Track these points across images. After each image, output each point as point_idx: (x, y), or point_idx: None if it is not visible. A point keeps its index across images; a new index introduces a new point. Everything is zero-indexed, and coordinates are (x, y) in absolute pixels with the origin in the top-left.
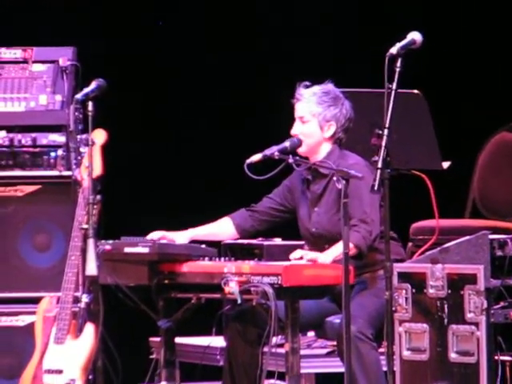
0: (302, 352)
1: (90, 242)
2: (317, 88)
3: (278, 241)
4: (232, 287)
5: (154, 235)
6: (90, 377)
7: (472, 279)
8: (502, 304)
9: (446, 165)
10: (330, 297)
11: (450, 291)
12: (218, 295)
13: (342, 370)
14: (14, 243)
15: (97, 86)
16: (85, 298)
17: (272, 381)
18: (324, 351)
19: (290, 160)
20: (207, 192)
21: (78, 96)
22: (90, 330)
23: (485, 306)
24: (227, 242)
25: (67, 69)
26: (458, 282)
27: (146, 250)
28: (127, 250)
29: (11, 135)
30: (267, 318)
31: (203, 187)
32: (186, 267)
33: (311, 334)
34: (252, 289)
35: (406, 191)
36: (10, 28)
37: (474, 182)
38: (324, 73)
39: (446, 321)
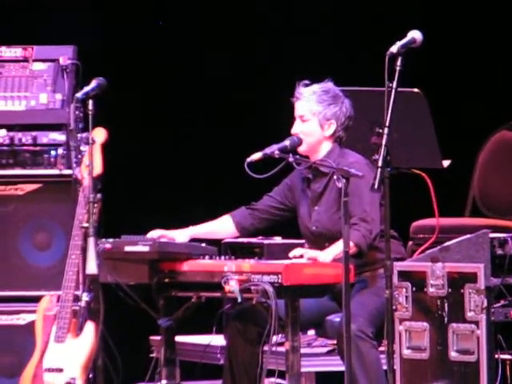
0: (303, 351)
1: (91, 240)
2: (316, 87)
3: (278, 239)
4: (232, 286)
5: (154, 234)
6: (91, 375)
7: (472, 278)
8: (502, 302)
9: (446, 163)
10: (331, 295)
11: (450, 290)
12: (218, 294)
13: (343, 368)
14: (14, 242)
15: (97, 84)
16: (85, 297)
17: (272, 379)
18: (324, 350)
19: (290, 159)
20: (207, 190)
21: (79, 95)
22: (90, 328)
23: (485, 304)
24: (227, 241)
25: (67, 67)
26: (458, 281)
27: (146, 249)
28: (127, 248)
29: (12, 134)
30: (267, 316)
31: (203, 185)
32: (187, 266)
33: (311, 332)
34: (252, 287)
35: (407, 190)
36: (10, 27)
37: (474, 181)
38: (324, 73)
39: (446, 319)
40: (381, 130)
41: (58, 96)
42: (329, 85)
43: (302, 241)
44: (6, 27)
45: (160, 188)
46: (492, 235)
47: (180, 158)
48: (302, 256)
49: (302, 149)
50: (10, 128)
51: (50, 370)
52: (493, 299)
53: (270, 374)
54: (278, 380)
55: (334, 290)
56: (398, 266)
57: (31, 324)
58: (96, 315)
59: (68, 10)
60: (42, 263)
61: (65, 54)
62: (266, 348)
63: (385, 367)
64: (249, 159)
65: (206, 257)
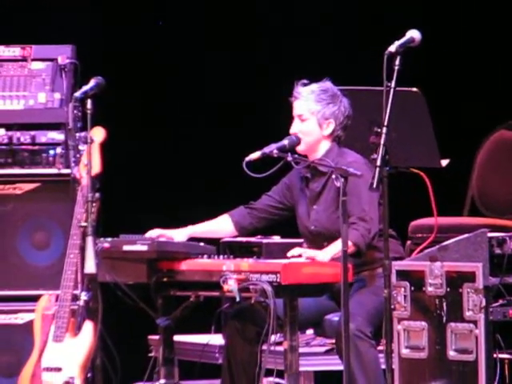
0: (301, 350)
1: (89, 239)
2: (315, 86)
3: (276, 239)
4: (231, 285)
5: (152, 233)
6: (89, 375)
7: (471, 277)
8: (500, 302)
9: (444, 162)
10: (329, 295)
11: (448, 289)
12: (216, 293)
13: (341, 367)
14: (12, 241)
15: (95, 83)
16: (84, 296)
17: (271, 379)
18: (323, 349)
19: (289, 158)
20: (207, 190)
21: (77, 94)
22: (88, 327)
23: (483, 304)
24: (226, 240)
25: (66, 67)
26: (456, 280)
27: (144, 248)
28: (126, 247)
29: (10, 133)
30: (266, 315)
31: (202, 185)
32: (185, 265)
33: (310, 331)
34: (251, 287)
35: (405, 189)
36: (10, 27)
37: (472, 180)
38: (324, 73)
39: (444, 319)
40: (379, 130)
41: (57, 95)
42: (327, 84)
43: (301, 240)
44: (5, 27)
45: (160, 188)
46: (490, 234)
47: (180, 158)
48: (300, 255)
49: (300, 148)
50: (8, 127)
51: (48, 369)
52: (491, 298)
53: (269, 373)
54: (277, 379)
55: (333, 289)
56: (397, 265)
57: (30, 323)
58: (94, 314)
59: (68, 9)
60: (41, 262)
61: (63, 54)
62: (264, 347)
63: (383, 366)
64: (247, 158)
65: (205, 256)
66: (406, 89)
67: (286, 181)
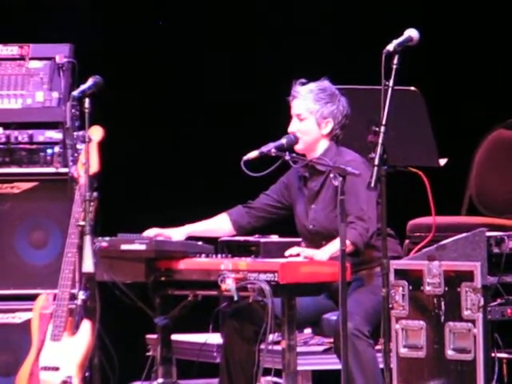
0: (299, 349)
1: (87, 239)
2: (313, 85)
3: (274, 238)
4: (229, 284)
5: (150, 232)
6: (87, 374)
7: (469, 276)
8: (498, 301)
9: (442, 162)
10: (327, 294)
11: (446, 288)
12: (214, 292)
13: (339, 367)
14: (10, 240)
15: (93, 82)
16: (81, 295)
17: (269, 378)
18: (321, 348)
19: (287, 157)
20: (207, 190)
21: (75, 93)
22: (86, 327)
23: (481, 303)
24: (224, 239)
25: (64, 66)
26: (454, 279)
27: (142, 247)
28: (124, 247)
29: (8, 132)
30: (264, 315)
31: (201, 185)
32: (183, 264)
33: (308, 331)
34: (249, 286)
35: (403, 188)
36: (10, 26)
37: (470, 179)
38: (324, 73)
39: (442, 318)
40: (377, 129)
41: (55, 94)
42: (325, 83)
43: (299, 239)
44: (5, 27)
45: (158, 187)
46: (488, 234)
47: (180, 158)
48: (298, 255)
49: (298, 147)
50: (6, 126)
51: (46, 368)
52: (489, 298)
53: (267, 372)
54: (275, 378)
55: (331, 288)
56: (395, 264)
57: (27, 322)
58: (92, 314)
59: (68, 9)
60: (39, 261)
61: (61, 52)
62: (262, 346)
63: (381, 366)
64: (245, 157)
65: (203, 255)
66: (404, 88)
67: (284, 180)
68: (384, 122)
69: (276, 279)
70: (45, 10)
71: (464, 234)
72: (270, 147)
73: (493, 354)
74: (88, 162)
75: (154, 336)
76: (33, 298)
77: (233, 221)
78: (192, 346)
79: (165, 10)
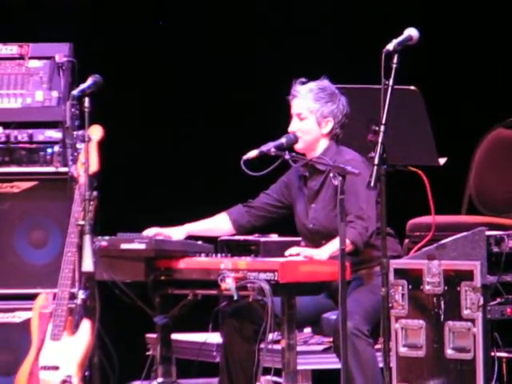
0: (299, 348)
1: (87, 238)
2: (313, 84)
3: (274, 237)
4: (228, 283)
5: (150, 232)
6: (87, 373)
7: (468, 275)
8: (498, 300)
9: (442, 161)
10: (327, 293)
11: (446, 287)
12: (214, 291)
13: (339, 366)
14: (10, 239)
15: (93, 82)
16: (81, 295)
17: (268, 377)
18: (320, 347)
19: (287, 156)
20: (207, 190)
21: (75, 92)
22: (86, 326)
23: (481, 302)
24: (224, 239)
25: (63, 65)
26: (454, 279)
27: (142, 247)
28: (124, 246)
29: (7, 131)
30: (264, 314)
31: (201, 185)
32: (183, 263)
33: (308, 330)
34: (248, 285)
35: (403, 187)
36: (10, 26)
37: (470, 179)
38: (324, 73)
39: (442, 317)
40: (377, 128)
41: (54, 93)
42: (325, 82)
43: (299, 238)
44: (5, 26)
45: (158, 187)
46: (488, 233)
47: (180, 158)
48: (298, 255)
49: (298, 146)
50: (5, 125)
51: (45, 367)
52: (489, 297)
53: (266, 371)
54: (275, 378)
55: (330, 287)
56: (395, 263)
57: (27, 322)
58: (92, 313)
59: (68, 9)
60: (38, 261)
61: (61, 52)
62: (262, 346)
63: (381, 365)
64: (245, 157)
65: (202, 254)
66: (404, 87)
67: (284, 179)
68: (384, 122)
69: (276, 278)
70: (45, 10)
71: (464, 234)
72: (269, 146)
73: (492, 354)
74: (88, 161)
75: (154, 335)
76: (32, 297)
77: (233, 220)
78: (192, 345)
79: (165, 9)
